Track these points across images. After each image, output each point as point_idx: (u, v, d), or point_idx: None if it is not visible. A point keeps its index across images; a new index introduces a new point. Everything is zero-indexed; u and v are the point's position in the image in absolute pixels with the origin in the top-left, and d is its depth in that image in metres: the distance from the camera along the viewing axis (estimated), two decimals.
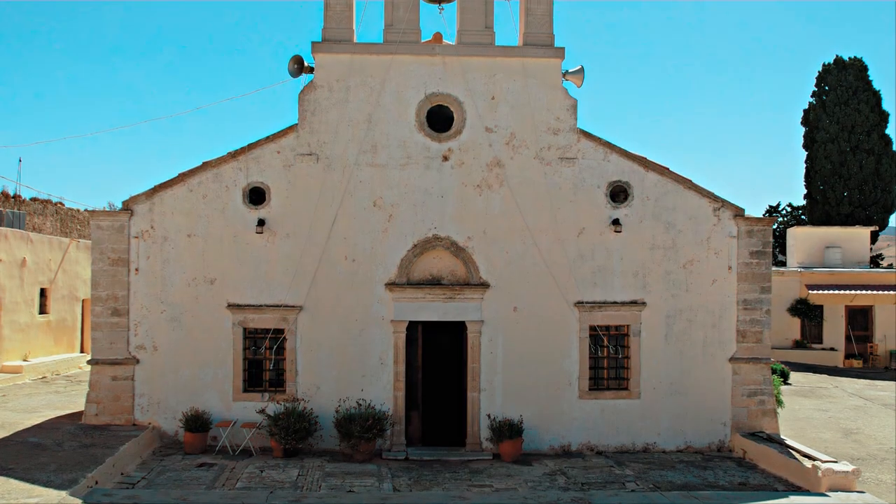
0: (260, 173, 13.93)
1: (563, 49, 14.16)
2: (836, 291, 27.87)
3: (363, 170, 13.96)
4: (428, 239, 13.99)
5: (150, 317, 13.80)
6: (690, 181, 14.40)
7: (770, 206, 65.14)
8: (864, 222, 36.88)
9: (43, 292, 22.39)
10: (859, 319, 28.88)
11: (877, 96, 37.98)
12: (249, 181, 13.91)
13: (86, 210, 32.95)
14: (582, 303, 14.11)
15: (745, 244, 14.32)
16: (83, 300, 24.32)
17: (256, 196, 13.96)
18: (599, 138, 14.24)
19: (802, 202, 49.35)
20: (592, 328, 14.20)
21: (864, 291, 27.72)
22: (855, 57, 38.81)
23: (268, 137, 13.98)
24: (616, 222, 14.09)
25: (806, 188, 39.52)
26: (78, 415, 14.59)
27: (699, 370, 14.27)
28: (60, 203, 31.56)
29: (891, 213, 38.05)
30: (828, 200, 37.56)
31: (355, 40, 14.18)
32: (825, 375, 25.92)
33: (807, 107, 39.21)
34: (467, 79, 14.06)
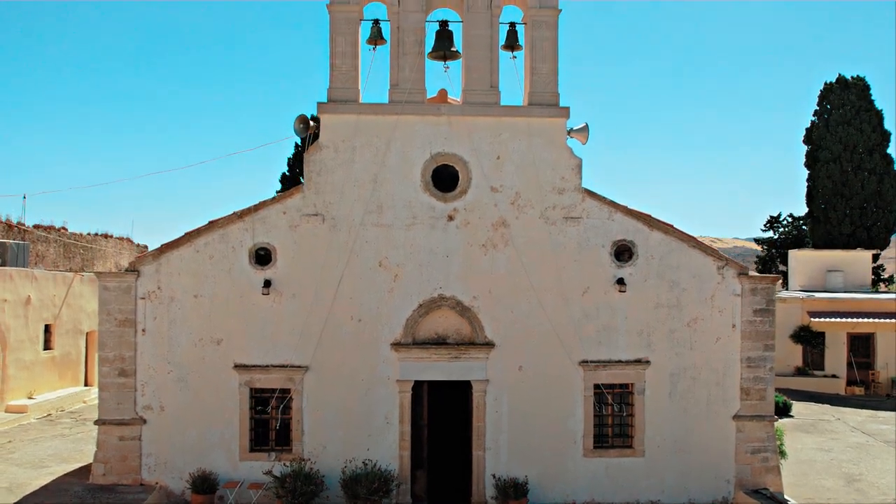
0: (266, 234, 13.98)
1: (568, 108, 14.20)
2: (838, 319, 27.94)
3: (369, 230, 14.02)
4: (433, 299, 14.06)
5: (157, 377, 13.87)
6: (695, 239, 14.47)
7: (771, 217, 65.23)
8: (866, 242, 36.97)
9: (47, 328, 22.47)
10: (861, 346, 28.94)
11: (879, 116, 38.03)
12: (256, 242, 13.97)
13: (89, 234, 33.05)
14: (586, 362, 14.17)
15: (748, 302, 14.38)
16: (87, 333, 24.41)
17: (263, 256, 14.02)
18: (604, 197, 14.30)
19: (804, 210, 49.14)
20: (597, 386, 14.26)
21: (865, 319, 27.78)
22: (857, 76, 38.84)
23: (274, 198, 14.05)
24: (621, 282, 14.14)
25: (808, 206, 39.59)
26: (85, 470, 14.68)
27: (703, 428, 14.34)
28: (64, 229, 31.67)
29: (892, 232, 38.11)
30: (829, 220, 37.63)
31: (361, 100, 14.22)
32: (827, 405, 26.00)
33: (809, 125, 39.27)
34: (473, 138, 14.11)
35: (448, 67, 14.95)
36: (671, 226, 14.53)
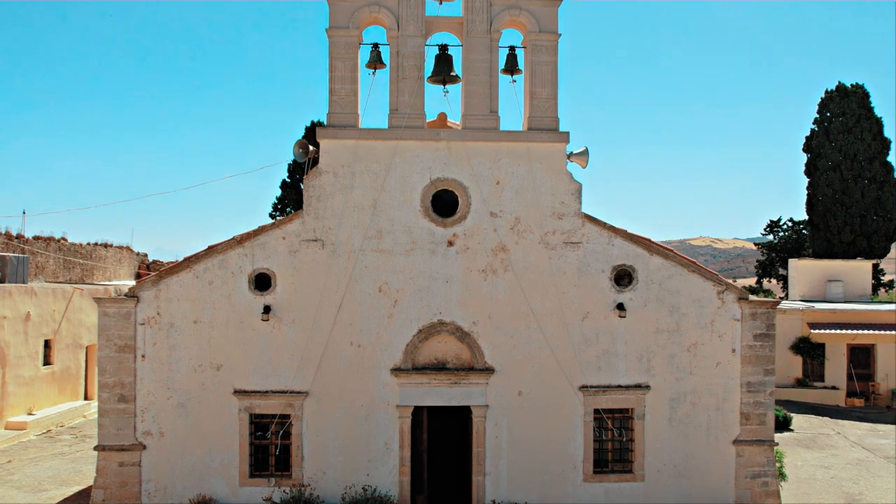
0: (265, 259, 13.97)
1: (567, 133, 14.18)
2: (838, 331, 27.92)
3: (368, 255, 14.01)
4: (433, 324, 14.04)
5: (157, 403, 13.86)
6: (695, 263, 14.45)
7: (771, 221, 65.30)
8: (866, 251, 36.97)
9: (47, 343, 22.45)
10: (861, 357, 28.93)
11: (879, 124, 37.99)
12: (255, 267, 13.95)
13: (88, 244, 33.01)
14: (586, 387, 14.16)
15: (748, 327, 14.37)
16: (87, 347, 24.39)
17: (262, 282, 14.01)
18: (604, 222, 14.28)
19: (804, 213, 49.18)
20: (597, 411, 14.25)
21: (865, 331, 27.76)
22: (857, 84, 38.81)
23: (273, 223, 14.03)
24: (620, 307, 14.13)
25: (808, 214, 39.56)
26: (85, 493, 14.68)
27: (703, 452, 14.33)
28: (63, 239, 31.66)
29: (892, 241, 38.05)
30: (829, 228, 37.60)
31: (360, 125, 14.20)
32: (827, 418, 25.98)
33: (809, 133, 39.22)
34: (472, 163, 14.09)
35: (447, 92, 14.94)
36: (671, 250, 14.52)
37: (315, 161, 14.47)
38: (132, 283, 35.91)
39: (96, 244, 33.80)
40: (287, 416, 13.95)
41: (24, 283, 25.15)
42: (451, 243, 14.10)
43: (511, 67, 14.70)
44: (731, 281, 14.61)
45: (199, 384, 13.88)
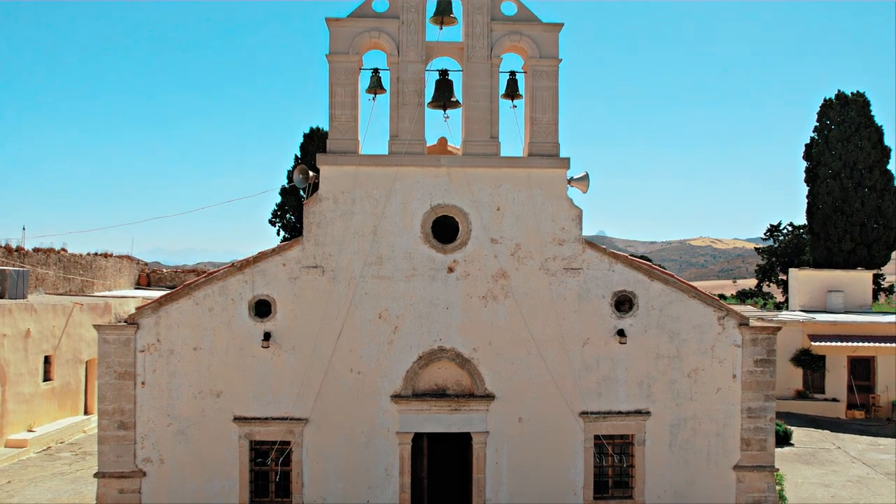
0: (266, 286, 13.94)
1: (567, 159, 14.16)
2: (839, 343, 27.90)
3: (369, 282, 13.98)
4: (433, 350, 14.03)
5: (157, 430, 13.84)
6: (695, 289, 14.43)
7: (771, 226, 65.36)
8: (866, 260, 36.97)
9: (47, 359, 22.43)
10: (861, 369, 28.91)
11: (879, 132, 37.97)
12: (255, 294, 13.93)
13: (88, 254, 32.99)
14: (587, 413, 14.15)
15: (749, 352, 14.35)
16: (87, 361, 24.38)
17: (262, 309, 13.98)
18: (605, 248, 14.27)
19: (804, 219, 49.13)
20: (597, 437, 14.24)
21: (866, 344, 27.75)
22: (857, 92, 38.76)
23: (273, 250, 14.01)
24: (621, 333, 14.11)
25: (808, 223, 39.53)
26: None
27: (703, 478, 14.32)
28: (63, 250, 31.64)
29: (892, 250, 38.05)
30: (829, 237, 37.58)
31: (360, 151, 14.17)
32: (827, 431, 25.96)
33: (809, 141, 39.19)
34: (472, 190, 14.07)
35: (448, 117, 14.92)
36: (672, 275, 14.50)
37: (315, 186, 14.45)
38: (132, 291, 35.91)
39: (96, 254, 33.78)
40: (287, 443, 13.93)
41: (23, 297, 25.16)
42: (451, 269, 14.07)
43: (512, 93, 14.68)
44: (731, 306, 14.59)
45: (199, 411, 13.86)
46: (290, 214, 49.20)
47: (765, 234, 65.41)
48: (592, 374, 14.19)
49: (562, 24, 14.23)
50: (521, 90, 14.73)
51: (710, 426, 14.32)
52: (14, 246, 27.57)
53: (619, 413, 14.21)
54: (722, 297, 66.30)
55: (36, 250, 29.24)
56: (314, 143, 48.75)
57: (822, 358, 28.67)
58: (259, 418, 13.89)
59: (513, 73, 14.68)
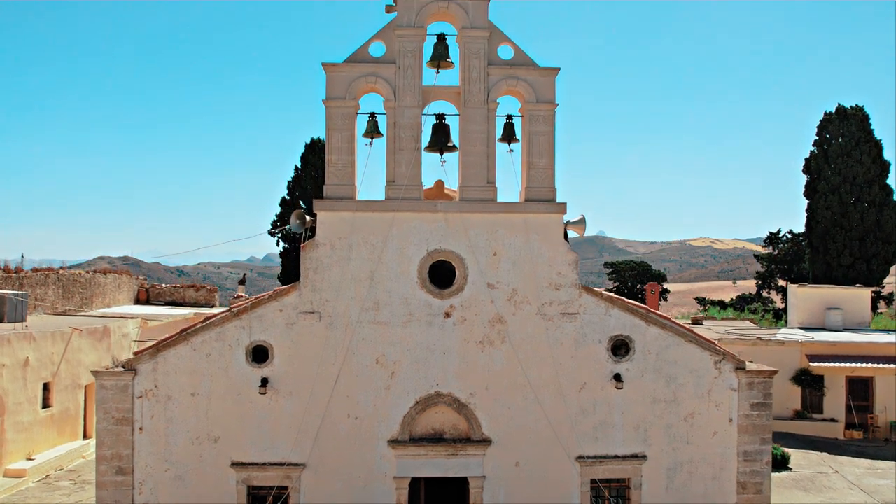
0: (263, 332, 13.97)
1: (564, 204, 14.18)
2: (837, 364, 27.97)
3: (365, 327, 14.01)
4: (430, 396, 14.06)
5: (155, 475, 13.88)
6: (692, 333, 14.45)
7: (771, 233, 65.40)
8: (865, 274, 37.02)
9: (46, 386, 22.47)
10: (860, 389, 28.96)
11: (878, 146, 38.03)
12: (252, 340, 13.96)
13: (87, 271, 33.02)
14: (583, 457, 14.19)
15: (745, 396, 14.38)
16: (86, 386, 24.42)
17: (259, 354, 14.01)
18: (601, 293, 14.29)
19: (803, 224, 49.18)
20: (594, 481, 14.27)
21: (864, 364, 27.83)
22: (857, 106, 38.81)
23: (270, 295, 14.04)
24: (617, 378, 14.14)
25: (807, 237, 39.61)
26: None
27: None
28: (63, 268, 31.68)
29: (891, 264, 38.14)
30: (829, 251, 37.64)
31: (357, 196, 14.19)
32: (825, 454, 26.00)
33: (808, 155, 39.23)
34: (469, 235, 14.09)
35: (444, 161, 14.95)
36: (669, 318, 14.53)
37: (312, 230, 14.47)
38: (131, 307, 35.94)
39: (94, 271, 33.82)
40: (285, 488, 13.97)
41: (23, 320, 25.21)
42: (448, 315, 14.10)
43: (508, 136, 14.70)
44: (728, 350, 14.60)
45: (197, 456, 13.90)
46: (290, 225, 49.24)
47: (764, 241, 65.51)
48: (589, 419, 14.22)
49: (558, 69, 14.24)
50: (518, 133, 14.75)
51: (706, 470, 14.36)
52: (13, 267, 27.59)
53: (616, 457, 14.25)
54: (721, 303, 66.36)
55: (35, 270, 29.28)
56: (315, 153, 48.84)
57: (821, 378, 28.73)
58: (256, 463, 13.92)
59: (509, 117, 14.69)
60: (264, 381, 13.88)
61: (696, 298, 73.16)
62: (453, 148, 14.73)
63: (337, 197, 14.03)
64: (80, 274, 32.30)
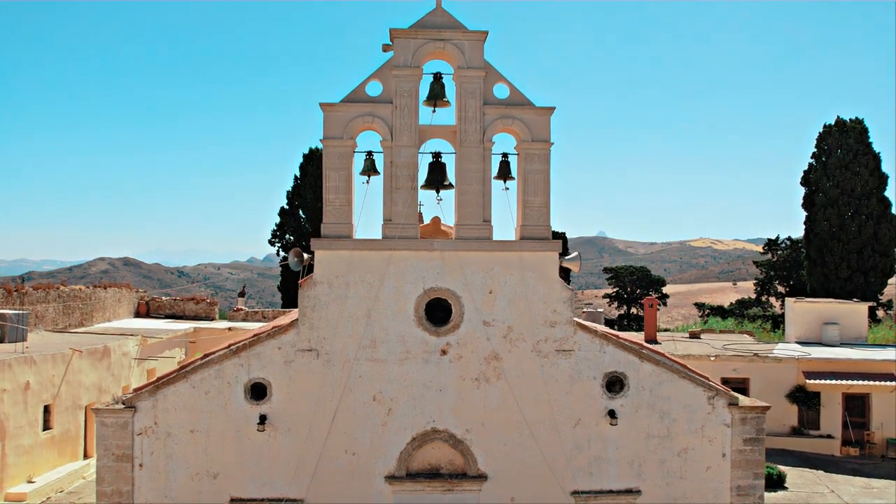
0: (261, 369, 14.13)
1: (559, 242, 14.32)
2: (834, 381, 28.08)
3: (363, 365, 14.17)
4: (426, 432, 14.22)
5: None
6: (686, 369, 14.60)
7: (770, 240, 65.49)
8: (863, 287, 37.17)
9: (46, 408, 22.60)
10: (856, 406, 29.07)
11: (876, 159, 38.17)
12: (251, 377, 14.12)
13: (87, 286, 33.17)
14: (578, 492, 14.35)
15: (738, 431, 14.53)
16: (86, 406, 24.57)
17: (258, 391, 14.17)
18: (596, 330, 14.44)
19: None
20: None
21: (861, 382, 27.95)
22: (856, 118, 38.96)
23: (269, 333, 14.19)
24: (612, 413, 14.30)
25: (805, 248, 39.77)
26: None
27: None
28: (63, 284, 31.85)
29: (889, 277, 38.29)
30: (826, 264, 37.79)
31: (355, 235, 14.34)
32: (821, 472, 26.14)
33: (807, 167, 39.37)
34: (465, 273, 14.23)
35: (441, 199, 15.08)
36: (663, 354, 14.68)
37: (310, 267, 14.61)
38: (131, 321, 36.10)
39: (95, 286, 34.00)
40: None
41: (23, 339, 25.36)
42: (444, 352, 14.26)
43: (504, 174, 14.84)
44: (721, 386, 14.76)
45: (196, 492, 14.06)
46: (290, 234, 49.43)
47: (763, 248, 65.68)
48: (584, 454, 14.38)
49: (553, 109, 14.38)
50: (514, 171, 14.89)
51: None
52: (13, 286, 27.76)
53: (611, 492, 14.40)
54: (721, 308, 66.47)
55: (35, 287, 29.45)
56: (313, 164, 49.00)
57: (817, 395, 28.83)
58: (255, 499, 14.08)
59: (505, 155, 14.84)
60: (262, 418, 14.04)
61: (696, 304, 73.25)
62: (449, 186, 14.88)
63: (334, 236, 14.18)
64: (80, 289, 32.47)
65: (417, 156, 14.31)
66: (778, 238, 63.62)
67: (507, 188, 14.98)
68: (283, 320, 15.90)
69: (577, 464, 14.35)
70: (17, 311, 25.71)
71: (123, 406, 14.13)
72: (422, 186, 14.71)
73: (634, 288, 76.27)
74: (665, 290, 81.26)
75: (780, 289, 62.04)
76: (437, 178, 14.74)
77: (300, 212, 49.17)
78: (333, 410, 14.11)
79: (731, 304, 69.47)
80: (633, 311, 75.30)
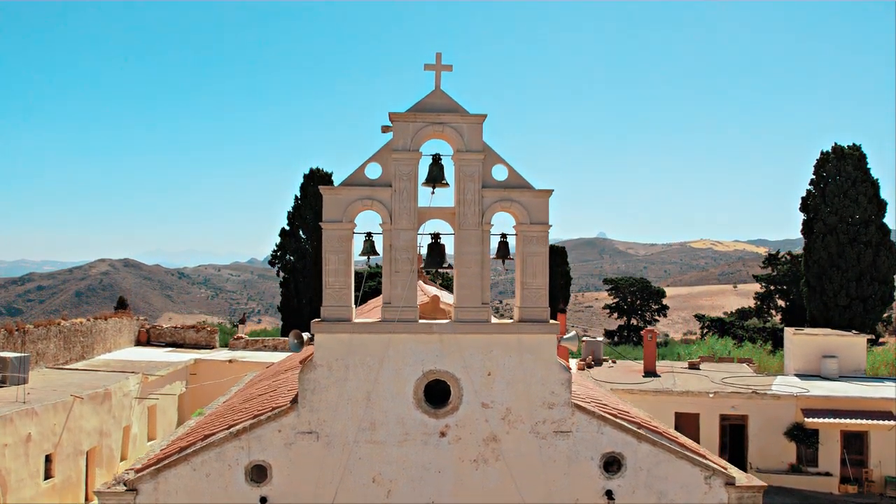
0: (262, 451, 14.23)
1: (558, 324, 14.40)
2: (832, 420, 28.22)
3: (362, 447, 14.26)
4: None
5: None
6: (683, 448, 14.70)
7: (770, 254, 65.49)
8: (861, 315, 37.24)
9: (48, 457, 22.74)
10: (855, 443, 29.21)
11: (875, 186, 38.22)
12: (251, 459, 14.21)
13: (88, 319, 33.27)
14: None
15: None
16: (87, 451, 24.71)
17: (258, 474, 14.27)
18: (594, 412, 14.53)
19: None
20: None
21: (859, 420, 28.09)
22: (854, 145, 38.99)
23: (269, 417, 14.28)
24: (609, 494, 14.40)
25: (804, 275, 39.82)
26: None
27: None
28: (64, 317, 31.97)
29: (888, 304, 38.38)
30: (825, 291, 37.87)
31: (354, 319, 14.43)
32: None
33: (805, 194, 39.43)
34: (464, 356, 14.32)
35: (440, 282, 15.10)
36: (661, 433, 14.77)
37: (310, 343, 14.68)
38: (132, 350, 36.24)
39: (95, 317, 34.11)
40: None
41: (25, 381, 25.53)
42: (443, 434, 14.35)
43: (503, 254, 14.92)
44: (718, 464, 14.85)
45: None
46: (290, 255, 49.56)
47: (763, 262, 65.84)
48: None
49: (551, 191, 14.46)
50: (512, 250, 14.97)
51: None
52: (14, 326, 27.88)
53: None
54: (721, 321, 66.61)
55: (36, 325, 29.55)
56: (314, 183, 49.09)
57: (816, 432, 28.98)
58: None
59: (503, 236, 14.91)
60: (263, 500, 14.14)
61: (696, 315, 73.40)
62: (448, 267, 14.95)
63: (334, 319, 14.26)
64: (80, 323, 32.58)
65: (416, 239, 14.39)
66: (778, 252, 63.76)
67: (505, 269, 15.06)
68: (284, 364, 15.97)
69: None
70: (17, 355, 25.85)
71: (125, 489, 14.23)
72: (420, 268, 14.78)
73: (635, 298, 76.37)
74: (666, 292, 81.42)
75: (780, 302, 62.24)
76: (435, 259, 14.82)
77: (300, 232, 49.26)
78: (333, 492, 14.21)
79: (731, 313, 69.58)
80: (633, 321, 75.44)
